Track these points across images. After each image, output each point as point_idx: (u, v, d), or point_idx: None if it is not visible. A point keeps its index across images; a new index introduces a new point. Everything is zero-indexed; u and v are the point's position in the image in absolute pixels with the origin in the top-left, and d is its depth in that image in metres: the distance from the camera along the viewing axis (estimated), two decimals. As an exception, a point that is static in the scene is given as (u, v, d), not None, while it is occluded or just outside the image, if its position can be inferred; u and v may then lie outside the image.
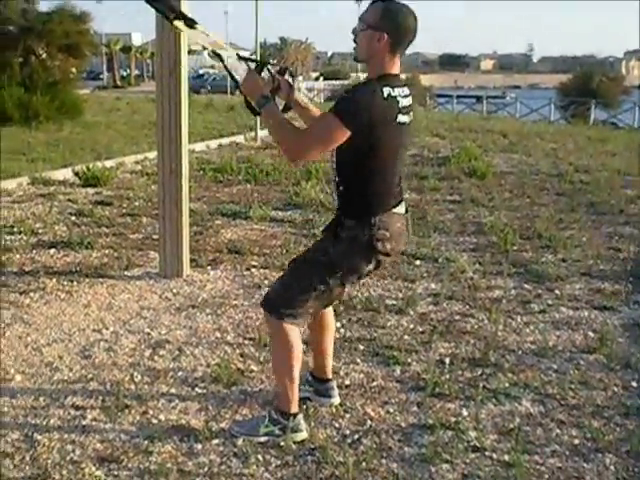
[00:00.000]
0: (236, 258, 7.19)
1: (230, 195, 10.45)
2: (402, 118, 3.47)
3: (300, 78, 66.60)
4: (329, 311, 4.06)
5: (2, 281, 6.38)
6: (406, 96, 3.51)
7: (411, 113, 3.58)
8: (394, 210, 3.62)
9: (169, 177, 6.44)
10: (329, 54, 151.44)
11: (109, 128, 20.22)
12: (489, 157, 14.64)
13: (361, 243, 3.54)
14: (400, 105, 3.45)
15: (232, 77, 4.09)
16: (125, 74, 76.59)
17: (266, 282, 6.43)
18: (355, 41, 3.56)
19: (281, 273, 6.41)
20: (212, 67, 76.83)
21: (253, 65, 3.84)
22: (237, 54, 4.22)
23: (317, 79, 69.23)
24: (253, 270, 6.83)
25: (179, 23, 4.51)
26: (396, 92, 3.43)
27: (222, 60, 4.27)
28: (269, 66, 3.88)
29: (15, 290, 6.16)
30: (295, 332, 3.70)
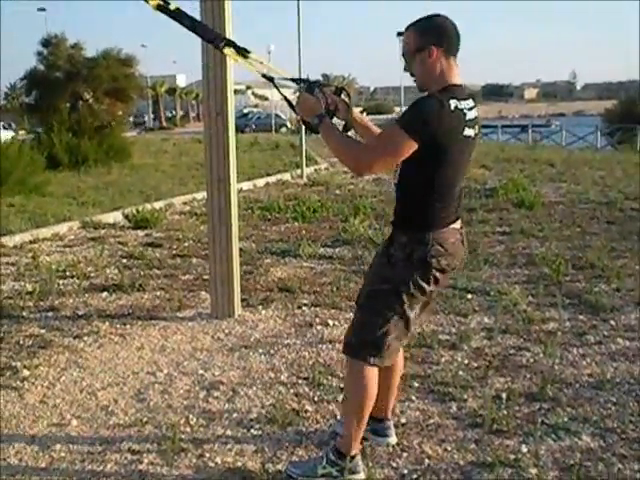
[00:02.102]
0: (287, 296, 7.19)
1: (279, 233, 10.49)
2: (468, 132, 3.41)
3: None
4: (400, 352, 4.01)
5: (56, 325, 6.44)
6: (471, 108, 3.43)
7: (477, 126, 3.50)
8: (451, 226, 3.56)
9: (218, 217, 6.48)
10: (372, 89, 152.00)
11: (157, 170, 20.47)
12: (537, 187, 14.56)
13: (416, 260, 3.47)
14: (466, 118, 3.38)
15: (286, 99, 4.10)
16: (171, 115, 77.55)
17: (317, 320, 6.42)
18: (412, 75, 3.55)
19: (332, 311, 6.48)
20: (256, 106, 77.60)
21: (305, 86, 3.85)
22: (292, 78, 4.22)
23: (360, 114, 69.46)
24: (304, 308, 6.82)
25: (229, 50, 4.54)
26: (462, 105, 3.36)
27: (274, 84, 4.27)
28: (324, 88, 3.86)
29: (69, 334, 6.21)
30: (375, 374, 3.66)
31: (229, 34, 6.11)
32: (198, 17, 6.09)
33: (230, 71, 6.28)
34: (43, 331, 6.29)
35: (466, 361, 5.44)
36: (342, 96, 3.86)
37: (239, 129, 46.14)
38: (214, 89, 6.27)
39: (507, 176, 15.76)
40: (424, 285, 3.54)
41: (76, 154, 20.84)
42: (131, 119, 58.55)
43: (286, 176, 17.84)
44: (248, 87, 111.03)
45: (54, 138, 20.86)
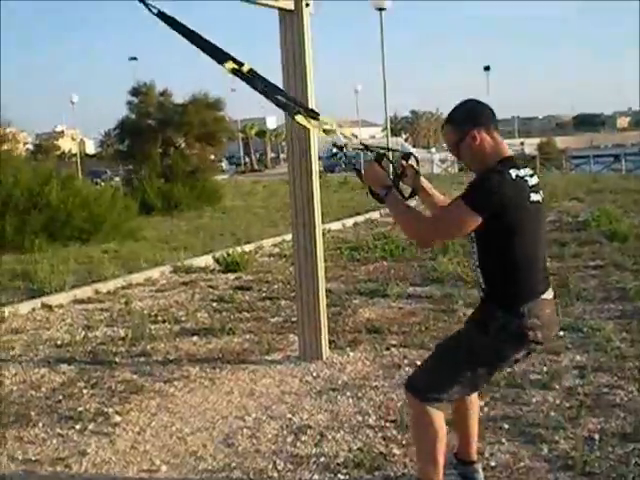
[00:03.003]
0: (375, 338, 7.14)
1: (367, 273, 10.47)
2: (534, 197, 3.42)
3: (433, 149, 66.75)
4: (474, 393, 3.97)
5: (148, 370, 6.54)
6: (532, 175, 3.47)
7: (541, 192, 3.51)
8: (542, 296, 3.51)
9: (304, 260, 6.51)
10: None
11: (247, 212, 20.72)
12: (630, 218, 14.21)
13: (511, 333, 3.43)
14: (529, 184, 3.40)
15: (355, 168, 4.14)
16: (262, 157, 78.56)
17: (406, 361, 6.37)
18: (466, 164, 3.64)
19: (421, 351, 6.41)
20: (345, 145, 77.96)
21: (373, 155, 3.91)
22: (361, 143, 4.27)
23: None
24: (392, 349, 6.77)
25: (300, 118, 4.59)
26: (522, 172, 3.40)
27: (344, 153, 4.31)
28: (394, 152, 3.92)
29: (160, 379, 6.29)
30: (439, 415, 3.62)
31: (310, 96, 6.20)
32: (281, 81, 6.22)
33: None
34: (135, 376, 6.39)
35: (558, 401, 5.31)
36: (410, 161, 3.90)
37: (329, 169, 46.48)
38: (297, 132, 6.32)
39: (600, 207, 15.44)
40: (513, 355, 3.54)
41: (168, 199, 21.28)
42: (223, 163, 59.60)
43: (375, 215, 17.82)
44: (339, 126, 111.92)
45: (147, 184, 21.37)
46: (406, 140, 79.61)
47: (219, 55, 4.66)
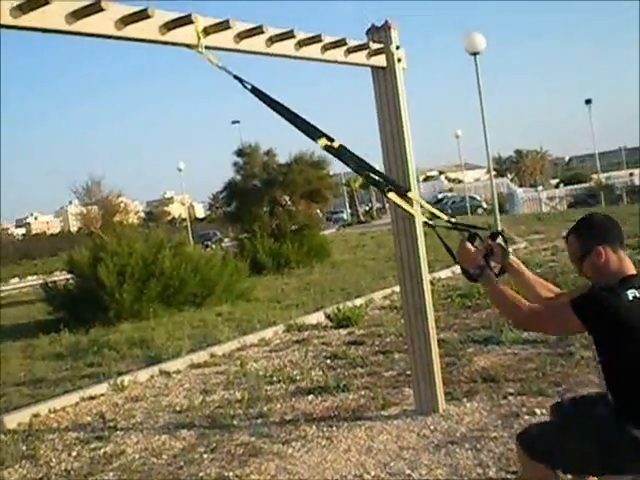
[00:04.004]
0: (491, 387, 7.03)
1: (480, 320, 10.34)
2: None
3: (540, 188, 65.89)
4: None
5: (265, 432, 6.58)
6: None
7: None
8: None
9: (413, 312, 6.49)
10: (566, 159, 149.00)
11: (356, 265, 20.79)
12: None
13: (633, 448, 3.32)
14: None
15: (447, 249, 4.14)
16: (368, 209, 78.89)
17: (524, 409, 6.23)
18: (587, 277, 3.56)
19: (540, 398, 6.28)
20: (450, 190, 77.70)
21: (467, 235, 3.93)
22: (449, 221, 4.29)
23: (557, 186, 68.19)
24: (510, 398, 6.63)
25: (393, 195, 4.64)
26: None
27: (436, 231, 4.32)
28: (481, 232, 3.94)
29: (278, 441, 6.32)
30: (548, 472, 3.54)
31: (409, 152, 6.26)
32: (379, 140, 6.30)
33: (411, 162, 6.36)
34: (253, 439, 6.45)
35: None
36: (498, 239, 3.90)
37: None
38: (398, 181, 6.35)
39: None
40: (631, 468, 3.40)
41: (278, 257, 21.57)
42: (330, 217, 60.10)
43: (484, 260, 17.62)
44: (441, 172, 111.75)
45: (256, 244, 21.72)
46: (512, 180, 78.73)
47: (312, 131, 4.77)
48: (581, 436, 3.49)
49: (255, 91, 4.72)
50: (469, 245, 3.83)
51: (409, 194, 4.67)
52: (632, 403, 3.35)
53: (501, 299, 3.56)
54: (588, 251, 3.42)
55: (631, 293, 3.25)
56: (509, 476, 4.97)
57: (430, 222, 4.43)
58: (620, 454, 3.36)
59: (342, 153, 4.74)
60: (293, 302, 14.21)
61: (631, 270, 3.42)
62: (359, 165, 4.81)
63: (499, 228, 19.11)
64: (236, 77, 4.67)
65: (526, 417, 6.03)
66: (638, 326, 3.23)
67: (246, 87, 4.69)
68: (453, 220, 4.29)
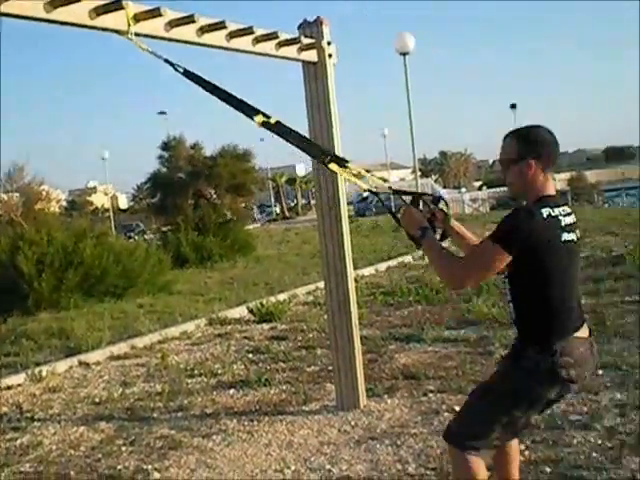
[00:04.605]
0: (412, 384, 7.09)
1: (402, 318, 10.42)
2: (567, 236, 3.41)
3: (463, 190, 66.66)
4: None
5: (186, 425, 6.53)
6: (568, 214, 3.47)
7: (577, 230, 3.51)
8: (575, 334, 3.50)
9: (337, 308, 6.50)
10: (490, 162, 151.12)
11: (280, 261, 20.75)
12: (667, 252, 14.06)
13: (543, 371, 3.42)
14: (562, 224, 3.40)
15: (391, 213, 4.16)
16: (293, 204, 78.78)
17: (444, 407, 6.31)
18: (505, 178, 3.61)
19: (459, 396, 6.35)
20: (376, 188, 78.05)
21: (410, 199, 3.93)
22: (390, 188, 4.29)
23: (480, 188, 69.08)
24: (430, 395, 6.71)
25: (334, 166, 4.63)
26: (556, 211, 3.39)
27: (379, 197, 4.32)
28: (425, 197, 3.95)
29: (198, 434, 6.28)
30: (479, 463, 3.58)
31: (337, 144, 6.26)
32: (308, 132, 6.29)
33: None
34: (173, 432, 6.39)
35: (599, 441, 5.24)
36: (440, 205, 3.93)
37: (360, 213, 46.47)
38: (325, 181, 6.36)
39: (634, 242, 15.32)
40: (547, 395, 3.52)
41: (201, 251, 21.37)
42: (255, 212, 59.89)
43: (408, 258, 17.76)
44: (367, 171, 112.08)
45: (180, 236, 21.50)
46: (436, 181, 79.43)
47: (247, 109, 4.73)
48: (492, 395, 3.58)
49: (187, 73, 4.66)
50: (413, 209, 3.84)
51: (349, 164, 4.64)
52: (533, 322, 3.48)
53: (439, 260, 3.57)
54: (522, 158, 3.45)
55: (545, 211, 3.34)
56: (428, 472, 5.02)
57: (374, 189, 4.42)
58: (528, 385, 3.46)
59: (280, 129, 4.70)
60: (216, 296, 14.12)
61: (551, 190, 3.50)
62: (299, 139, 4.78)
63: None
64: (167, 61, 4.61)
65: (446, 414, 6.10)
66: (551, 243, 3.35)
67: (178, 70, 4.63)
68: (394, 187, 4.28)
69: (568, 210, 3.49)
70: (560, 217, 3.40)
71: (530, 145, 3.47)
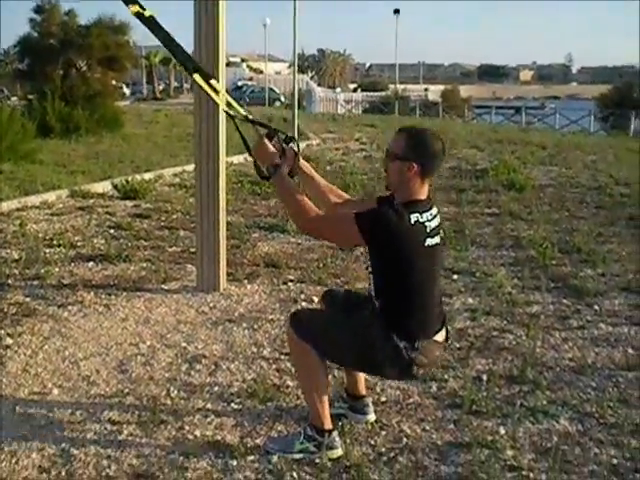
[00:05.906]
0: (273, 272, 7.19)
1: (267, 208, 10.47)
2: (431, 241, 3.50)
3: (338, 90, 66.70)
4: None
5: (41, 294, 6.44)
6: (434, 217, 3.55)
7: (441, 232, 3.61)
8: (436, 337, 3.64)
9: (206, 191, 6.47)
10: (367, 65, 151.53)
11: (148, 140, 20.37)
12: (528, 169, 14.58)
13: (401, 359, 3.54)
14: (428, 230, 3.48)
15: (244, 142, 4.10)
16: (165, 86, 77.09)
17: (302, 296, 6.44)
18: (385, 170, 3.65)
19: (318, 287, 6.49)
20: (250, 79, 77.15)
21: (266, 131, 3.91)
22: (246, 117, 4.24)
23: (355, 90, 69.31)
24: (290, 284, 6.83)
25: (198, 77, 4.53)
26: (424, 217, 3.47)
27: (235, 122, 4.25)
28: (278, 132, 3.93)
29: (54, 303, 6.21)
30: (314, 356, 3.68)
31: (222, 33, 6.15)
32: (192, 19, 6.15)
33: (223, 43, 6.27)
34: (28, 299, 6.29)
35: (448, 341, 5.45)
36: (291, 144, 3.93)
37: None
38: (205, 61, 6.23)
39: (499, 157, 15.78)
40: (387, 373, 3.79)
41: (68, 122, 20.66)
42: (127, 90, 58.34)
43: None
44: (243, 60, 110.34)
45: (46, 105, 20.71)
46: (311, 78, 79.01)
47: None
48: (345, 330, 3.67)
49: None
50: (268, 142, 3.83)
51: (212, 81, 4.55)
52: (395, 313, 3.56)
53: (291, 200, 3.60)
54: (406, 158, 3.48)
55: (414, 217, 3.42)
56: (282, 357, 5.14)
57: (230, 112, 4.36)
58: (379, 358, 3.58)
59: (152, 23, 4.55)
60: (80, 169, 13.76)
61: (423, 195, 3.56)
62: (168, 39, 4.64)
63: (296, 123, 19.24)
64: None
65: (304, 303, 6.24)
66: (414, 248, 3.43)
67: None
68: (250, 117, 4.23)
69: (434, 212, 3.58)
70: (427, 223, 3.48)
71: (418, 150, 3.49)
